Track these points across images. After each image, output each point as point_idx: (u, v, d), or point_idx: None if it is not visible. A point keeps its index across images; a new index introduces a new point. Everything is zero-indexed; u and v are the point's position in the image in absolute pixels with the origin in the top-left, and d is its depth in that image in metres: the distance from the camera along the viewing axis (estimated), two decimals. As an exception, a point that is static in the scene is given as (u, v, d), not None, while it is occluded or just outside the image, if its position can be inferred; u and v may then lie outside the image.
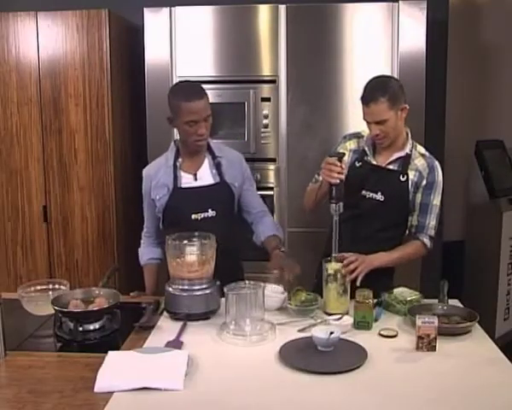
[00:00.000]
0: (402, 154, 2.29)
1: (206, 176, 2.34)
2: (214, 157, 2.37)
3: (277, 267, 2.20)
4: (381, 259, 2.21)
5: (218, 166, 2.35)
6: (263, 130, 3.18)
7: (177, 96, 2.26)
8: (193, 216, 2.29)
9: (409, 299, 2.12)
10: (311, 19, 3.10)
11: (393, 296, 2.15)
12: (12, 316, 1.95)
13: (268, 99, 3.16)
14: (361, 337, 1.89)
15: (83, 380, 1.63)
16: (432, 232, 2.30)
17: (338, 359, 1.72)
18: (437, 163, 2.31)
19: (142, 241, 2.53)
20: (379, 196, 2.29)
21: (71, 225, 3.33)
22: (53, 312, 2.01)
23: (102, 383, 1.59)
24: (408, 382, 1.64)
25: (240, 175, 2.41)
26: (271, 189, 3.20)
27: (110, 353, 1.73)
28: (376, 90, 2.19)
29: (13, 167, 3.33)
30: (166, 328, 2.01)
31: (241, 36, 3.15)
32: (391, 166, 2.31)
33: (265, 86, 3.16)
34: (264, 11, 3.13)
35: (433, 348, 1.78)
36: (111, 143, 3.25)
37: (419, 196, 2.29)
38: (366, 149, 2.35)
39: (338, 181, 2.13)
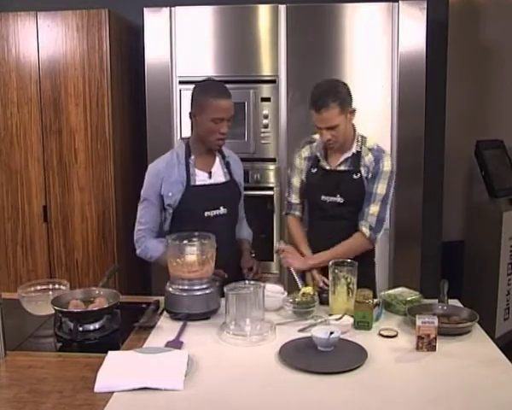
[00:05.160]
0: (349, 154, 2.33)
1: (218, 174, 2.38)
2: (224, 156, 2.42)
3: (248, 266, 2.36)
4: (314, 261, 2.32)
5: (227, 165, 2.41)
6: (263, 130, 3.18)
7: (206, 93, 2.27)
8: (206, 213, 2.31)
9: (409, 299, 2.12)
10: (311, 19, 3.10)
11: (393, 296, 2.15)
12: (12, 316, 1.95)
13: (268, 99, 3.17)
14: (361, 337, 1.89)
15: (83, 380, 1.63)
16: (372, 221, 2.29)
17: (338, 359, 1.72)
18: (384, 154, 2.32)
19: (140, 237, 2.37)
20: (339, 199, 2.33)
21: (71, 225, 3.33)
22: (53, 312, 2.01)
23: (102, 383, 1.59)
24: (408, 382, 1.64)
25: (242, 177, 2.50)
26: (271, 189, 3.20)
27: (110, 353, 1.73)
28: (327, 95, 2.20)
29: (13, 167, 3.33)
30: (166, 328, 2.01)
31: (241, 36, 3.15)
32: (342, 168, 2.35)
33: (265, 86, 3.17)
34: (264, 11, 3.13)
35: (433, 348, 1.78)
36: (111, 143, 3.25)
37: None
38: (318, 154, 2.40)
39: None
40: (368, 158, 2.31)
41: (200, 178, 2.34)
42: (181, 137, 2.43)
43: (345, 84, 2.28)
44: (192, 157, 2.34)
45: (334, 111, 2.19)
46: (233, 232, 2.45)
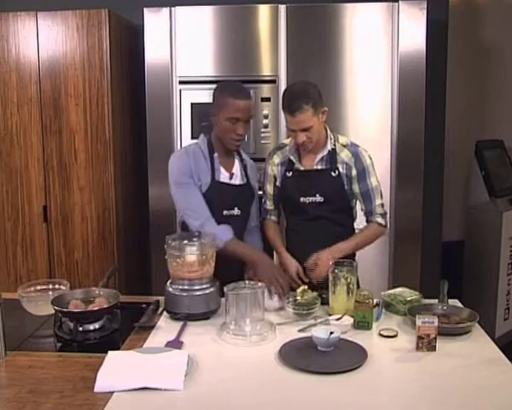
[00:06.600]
0: (324, 153, 2.36)
1: (238, 175, 2.40)
2: (242, 159, 2.44)
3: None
4: (340, 248, 2.28)
5: (245, 167, 2.43)
6: (263, 130, 3.18)
7: (225, 92, 2.28)
8: (224, 212, 2.32)
9: (409, 299, 2.12)
10: (311, 19, 3.10)
11: (393, 296, 2.15)
12: (12, 316, 1.95)
13: (268, 99, 3.17)
14: (361, 337, 1.89)
15: (83, 380, 1.63)
16: (381, 210, 2.39)
17: (338, 359, 1.72)
18: (361, 149, 2.37)
19: (201, 228, 2.21)
20: (318, 198, 2.36)
21: (71, 225, 3.33)
22: (53, 312, 2.01)
23: (102, 383, 1.58)
24: (408, 382, 1.64)
25: (256, 182, 2.52)
26: (271, 189, 3.20)
27: (110, 353, 1.73)
28: (299, 98, 2.22)
29: (13, 167, 3.33)
30: (166, 328, 2.01)
31: (241, 36, 3.15)
32: (319, 167, 2.37)
33: (265, 86, 3.16)
34: (264, 11, 3.13)
35: (433, 348, 1.78)
36: (111, 143, 3.25)
37: (356, 186, 2.37)
38: (292, 157, 2.41)
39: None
40: (344, 154, 2.35)
41: (223, 175, 2.35)
42: (203, 132, 2.40)
43: (315, 86, 2.30)
44: (215, 154, 2.35)
45: (308, 113, 2.21)
46: (242, 234, 2.44)
